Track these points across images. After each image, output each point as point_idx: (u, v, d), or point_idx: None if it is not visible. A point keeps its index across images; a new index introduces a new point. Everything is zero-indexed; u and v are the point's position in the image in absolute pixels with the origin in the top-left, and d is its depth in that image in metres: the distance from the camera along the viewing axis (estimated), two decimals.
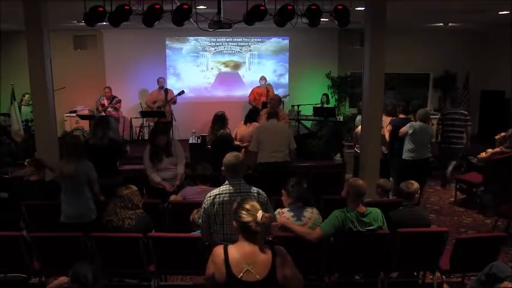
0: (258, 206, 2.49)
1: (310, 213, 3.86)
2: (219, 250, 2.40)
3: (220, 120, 6.28)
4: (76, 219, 4.28)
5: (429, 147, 6.39)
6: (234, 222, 2.50)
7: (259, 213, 2.43)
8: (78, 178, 4.30)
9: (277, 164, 5.54)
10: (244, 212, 2.43)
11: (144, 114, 9.75)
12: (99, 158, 4.76)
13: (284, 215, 3.86)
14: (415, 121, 6.47)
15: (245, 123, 6.60)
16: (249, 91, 10.25)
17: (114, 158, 5.41)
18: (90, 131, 6.26)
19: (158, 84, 9.83)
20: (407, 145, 6.30)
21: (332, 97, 10.82)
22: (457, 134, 7.36)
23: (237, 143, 6.43)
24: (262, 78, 10.03)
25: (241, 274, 2.33)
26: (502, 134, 6.64)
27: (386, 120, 6.69)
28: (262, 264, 2.37)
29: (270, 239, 3.72)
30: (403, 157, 6.33)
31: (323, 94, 10.26)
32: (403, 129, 6.31)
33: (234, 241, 2.52)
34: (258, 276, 2.34)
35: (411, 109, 6.99)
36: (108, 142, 5.29)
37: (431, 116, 8.69)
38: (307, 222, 3.81)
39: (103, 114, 9.34)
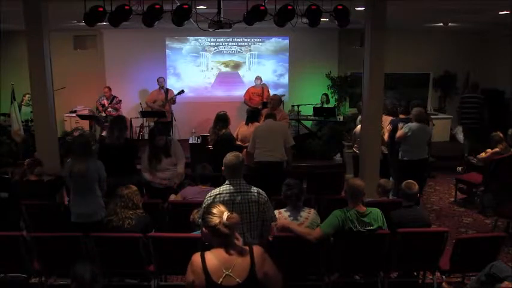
0: (223, 208, 2.44)
1: (307, 214, 3.89)
2: (196, 258, 2.37)
3: (222, 120, 6.26)
4: (87, 218, 4.27)
5: (426, 149, 6.33)
6: (203, 229, 2.46)
7: (225, 215, 2.38)
8: (89, 176, 4.30)
9: (272, 163, 5.55)
10: (210, 216, 2.39)
11: (144, 114, 9.74)
12: (116, 158, 4.77)
13: (281, 215, 3.87)
14: None
15: (246, 123, 6.60)
16: None
17: (131, 157, 5.41)
18: (106, 131, 6.30)
19: (158, 84, 9.82)
20: (403, 145, 6.23)
21: (332, 97, 10.81)
22: (471, 115, 8.40)
23: (238, 143, 6.43)
24: (258, 78, 9.97)
25: (221, 280, 2.30)
26: (496, 133, 6.64)
27: (386, 120, 6.68)
28: (241, 267, 2.34)
29: (270, 239, 3.74)
30: (399, 157, 6.31)
31: (323, 94, 10.25)
32: (400, 133, 6.20)
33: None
34: (238, 280, 2.31)
35: (411, 109, 6.98)
36: (124, 141, 5.32)
37: (432, 116, 8.73)
38: (303, 222, 3.83)
39: (103, 114, 9.35)
